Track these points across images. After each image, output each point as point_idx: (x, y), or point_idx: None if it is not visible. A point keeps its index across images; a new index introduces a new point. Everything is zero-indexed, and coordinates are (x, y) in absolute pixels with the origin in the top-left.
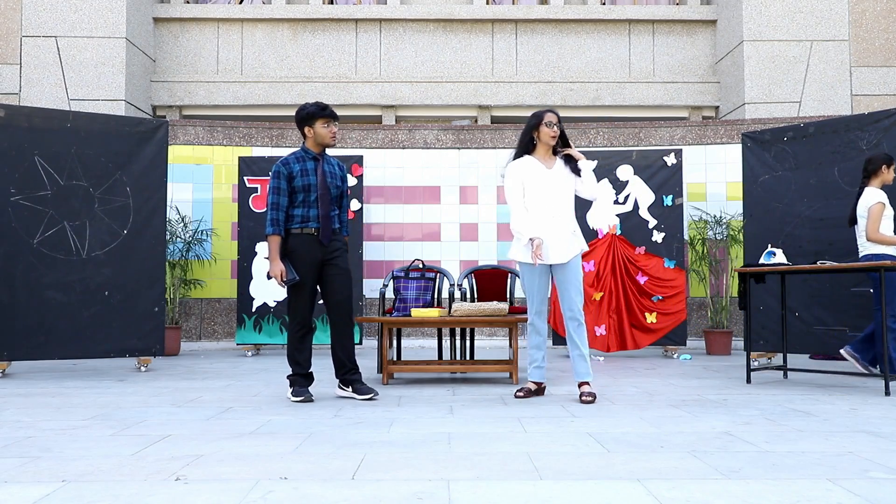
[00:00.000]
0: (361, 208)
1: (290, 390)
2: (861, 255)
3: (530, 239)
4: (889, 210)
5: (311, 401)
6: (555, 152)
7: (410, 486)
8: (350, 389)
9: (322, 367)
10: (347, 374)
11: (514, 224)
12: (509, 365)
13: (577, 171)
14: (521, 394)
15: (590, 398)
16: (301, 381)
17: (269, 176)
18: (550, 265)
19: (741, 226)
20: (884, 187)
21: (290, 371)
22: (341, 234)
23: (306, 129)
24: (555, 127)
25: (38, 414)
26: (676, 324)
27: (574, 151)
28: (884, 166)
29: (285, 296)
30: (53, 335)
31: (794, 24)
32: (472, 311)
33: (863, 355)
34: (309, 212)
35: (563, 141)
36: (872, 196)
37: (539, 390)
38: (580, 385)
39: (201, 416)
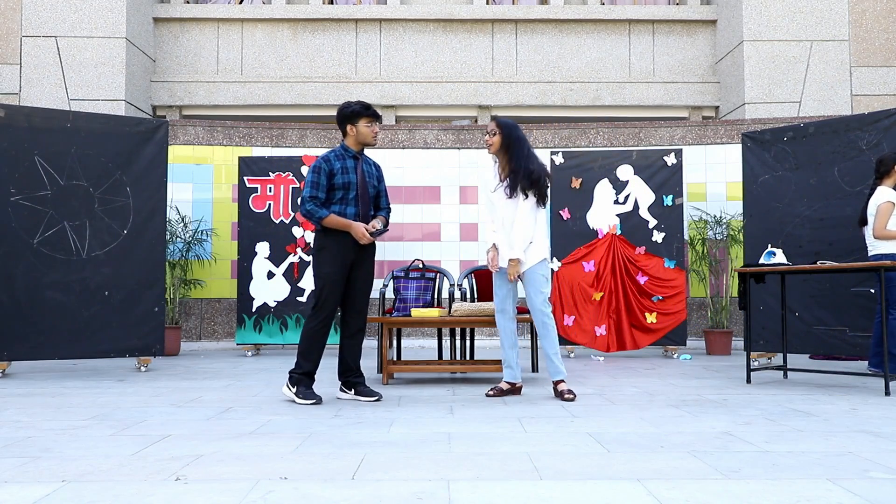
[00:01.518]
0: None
1: (294, 389)
2: (870, 254)
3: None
4: None
5: (321, 402)
6: (511, 159)
7: (410, 486)
8: (352, 392)
9: (321, 366)
10: (352, 377)
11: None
12: None
13: (526, 188)
14: (491, 392)
15: (571, 395)
16: (307, 381)
17: (268, 176)
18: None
19: (741, 226)
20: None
21: (292, 367)
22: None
23: (348, 128)
24: (487, 136)
25: (38, 414)
26: (676, 324)
27: (512, 262)
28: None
29: (284, 296)
30: (53, 335)
31: (794, 24)
32: (472, 311)
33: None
34: (346, 209)
35: (506, 147)
36: (883, 195)
37: (513, 390)
38: (556, 384)
39: (201, 416)
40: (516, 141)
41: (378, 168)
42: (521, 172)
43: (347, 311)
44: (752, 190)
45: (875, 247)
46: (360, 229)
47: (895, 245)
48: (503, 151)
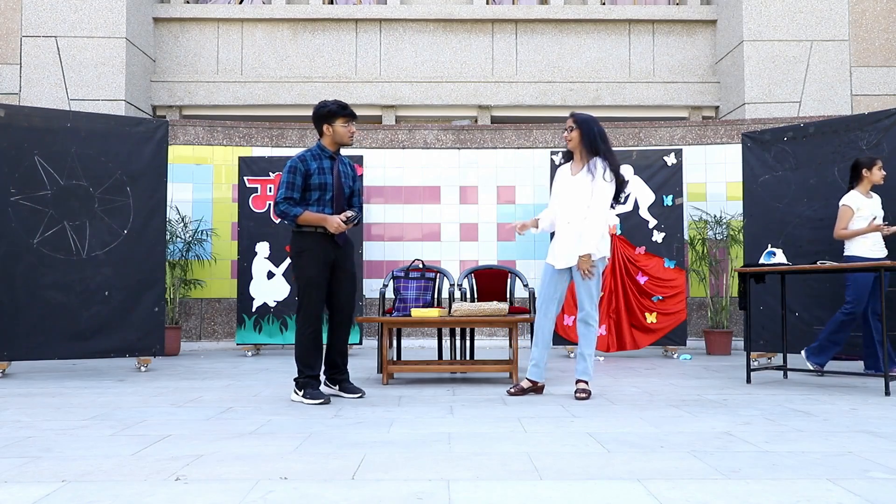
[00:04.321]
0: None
1: (301, 392)
2: (844, 254)
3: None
4: (867, 212)
5: (329, 402)
6: (594, 153)
7: (410, 486)
8: (337, 388)
9: None
10: (337, 373)
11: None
12: (509, 365)
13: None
14: (513, 391)
15: (583, 395)
16: (314, 383)
17: (268, 176)
18: (568, 269)
19: (741, 226)
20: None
21: (295, 373)
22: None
23: (325, 128)
24: (565, 132)
25: (38, 414)
26: (676, 324)
27: (584, 259)
28: (864, 170)
29: (284, 296)
30: (53, 335)
31: (794, 24)
32: (472, 311)
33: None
34: (324, 210)
35: (587, 144)
36: (843, 199)
37: (535, 389)
38: (576, 382)
39: (201, 416)
40: (599, 135)
41: (353, 168)
42: (611, 161)
43: (335, 312)
44: (752, 190)
45: (847, 248)
46: (334, 220)
47: (865, 248)
48: (584, 146)
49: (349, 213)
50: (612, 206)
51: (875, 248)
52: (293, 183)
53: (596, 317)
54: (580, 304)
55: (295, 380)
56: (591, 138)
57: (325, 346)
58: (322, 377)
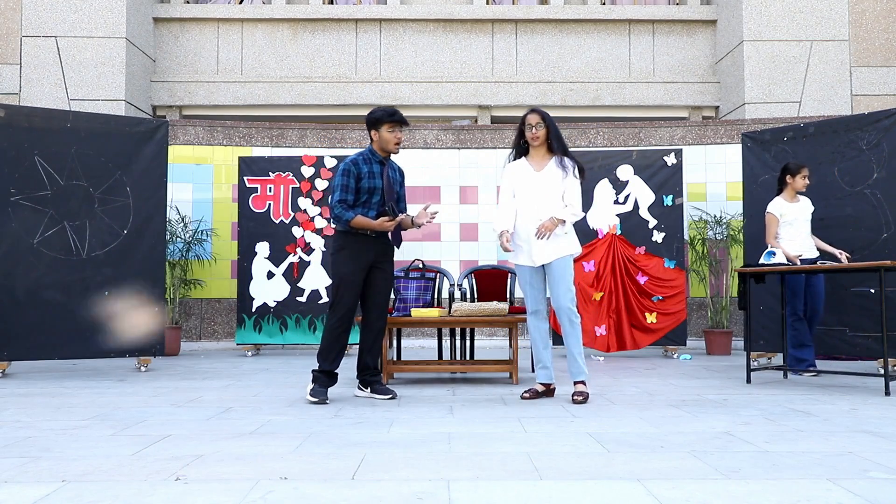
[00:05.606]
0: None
1: (310, 387)
2: None
3: (501, 233)
4: (791, 217)
5: (326, 403)
6: (550, 150)
7: (410, 486)
8: (369, 390)
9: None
10: (369, 375)
11: (493, 220)
12: (509, 365)
13: (578, 174)
14: (527, 395)
15: (580, 398)
16: (324, 379)
17: (268, 176)
18: (542, 266)
19: (741, 226)
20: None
21: (312, 367)
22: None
23: (373, 133)
24: (533, 129)
25: (38, 414)
26: (676, 324)
27: (555, 219)
28: (787, 177)
29: (284, 296)
30: (53, 335)
31: (794, 24)
32: (472, 311)
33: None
34: (368, 213)
35: (556, 141)
36: (769, 206)
37: (547, 392)
38: (576, 384)
39: (201, 416)
40: (558, 131)
41: (402, 173)
42: (572, 157)
43: (369, 311)
44: (752, 190)
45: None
46: (382, 222)
47: (793, 252)
48: (553, 143)
49: (387, 217)
50: None
51: (802, 249)
52: (347, 185)
53: (575, 309)
54: (557, 300)
55: (312, 371)
56: (559, 136)
57: (359, 347)
58: (344, 381)
